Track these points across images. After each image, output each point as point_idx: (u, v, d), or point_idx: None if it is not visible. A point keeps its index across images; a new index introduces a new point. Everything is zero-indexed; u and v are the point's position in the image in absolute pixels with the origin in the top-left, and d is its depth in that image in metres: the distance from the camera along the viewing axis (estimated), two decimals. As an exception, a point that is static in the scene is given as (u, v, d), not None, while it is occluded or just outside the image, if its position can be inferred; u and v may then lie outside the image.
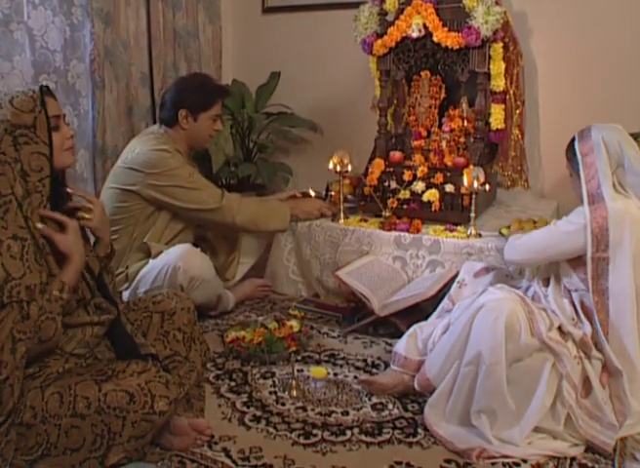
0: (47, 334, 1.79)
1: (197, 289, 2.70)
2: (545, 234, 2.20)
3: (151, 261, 2.73)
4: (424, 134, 3.29)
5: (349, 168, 3.13)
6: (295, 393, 2.29)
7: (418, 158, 3.21)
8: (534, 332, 1.94)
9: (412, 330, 2.33)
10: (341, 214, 3.15)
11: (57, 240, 1.86)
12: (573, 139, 2.20)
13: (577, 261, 2.10)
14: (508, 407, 1.95)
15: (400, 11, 3.11)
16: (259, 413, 2.17)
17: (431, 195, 3.03)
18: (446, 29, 2.97)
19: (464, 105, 3.24)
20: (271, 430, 2.08)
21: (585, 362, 1.99)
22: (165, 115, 2.90)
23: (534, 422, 1.96)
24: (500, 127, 3.12)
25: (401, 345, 2.30)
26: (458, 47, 2.96)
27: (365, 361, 2.56)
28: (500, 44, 2.97)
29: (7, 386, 1.74)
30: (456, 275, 2.53)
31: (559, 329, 2.01)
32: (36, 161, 1.82)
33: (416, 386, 2.20)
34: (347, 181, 3.34)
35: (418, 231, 2.95)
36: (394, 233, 2.98)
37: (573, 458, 1.93)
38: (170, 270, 2.63)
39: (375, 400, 2.26)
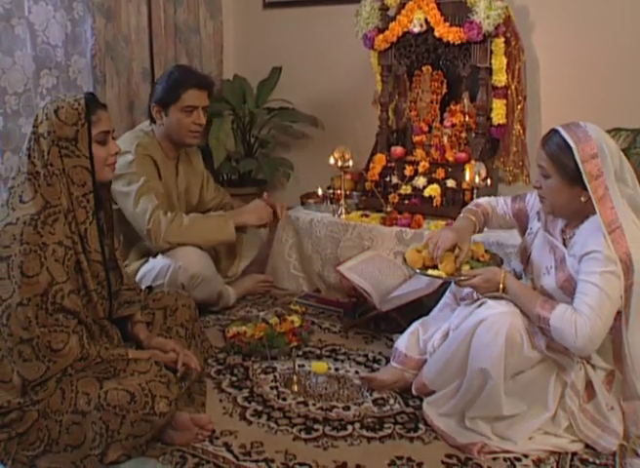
0: (85, 369, 1.86)
1: (198, 286, 2.70)
2: (604, 298, 1.80)
3: (151, 260, 2.72)
4: (426, 129, 3.30)
5: (350, 163, 3.13)
6: (296, 388, 2.29)
7: (419, 153, 3.21)
8: (534, 345, 1.91)
9: (413, 327, 2.33)
10: (343, 210, 3.15)
11: (164, 356, 2.02)
12: (556, 135, 1.89)
13: None
14: (505, 417, 1.95)
15: (401, 6, 3.11)
16: (260, 408, 2.18)
17: (433, 190, 3.03)
18: (447, 24, 2.98)
19: (466, 100, 3.24)
20: (272, 425, 2.08)
21: (588, 367, 1.96)
22: (147, 112, 2.84)
23: (534, 428, 1.96)
24: (501, 122, 3.12)
25: (402, 342, 2.30)
26: (459, 42, 2.96)
27: (366, 356, 2.56)
28: (502, 39, 2.97)
29: (34, 410, 1.78)
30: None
31: None
32: (79, 175, 1.84)
33: (413, 390, 2.21)
34: (349, 177, 3.34)
35: (419, 226, 2.95)
36: (395, 228, 2.98)
37: (574, 453, 1.94)
38: (170, 269, 2.62)
39: (376, 395, 2.26)
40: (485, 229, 2.36)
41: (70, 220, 1.84)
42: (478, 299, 2.10)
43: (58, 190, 1.81)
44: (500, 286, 1.98)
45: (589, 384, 1.96)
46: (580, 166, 1.82)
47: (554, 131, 1.91)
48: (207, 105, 2.82)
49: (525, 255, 2.17)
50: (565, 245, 1.98)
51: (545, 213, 2.05)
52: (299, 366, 2.44)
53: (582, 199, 1.87)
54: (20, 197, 1.79)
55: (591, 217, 1.89)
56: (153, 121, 2.79)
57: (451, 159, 3.14)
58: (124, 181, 2.64)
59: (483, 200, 2.37)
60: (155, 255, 2.72)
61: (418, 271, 2.19)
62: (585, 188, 1.84)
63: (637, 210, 1.90)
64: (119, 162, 2.56)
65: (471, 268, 2.11)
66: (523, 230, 2.25)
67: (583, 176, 1.82)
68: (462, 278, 2.07)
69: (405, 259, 2.24)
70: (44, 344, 1.75)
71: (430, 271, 2.17)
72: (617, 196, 1.84)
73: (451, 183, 3.02)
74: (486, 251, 2.26)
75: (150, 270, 2.68)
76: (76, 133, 1.81)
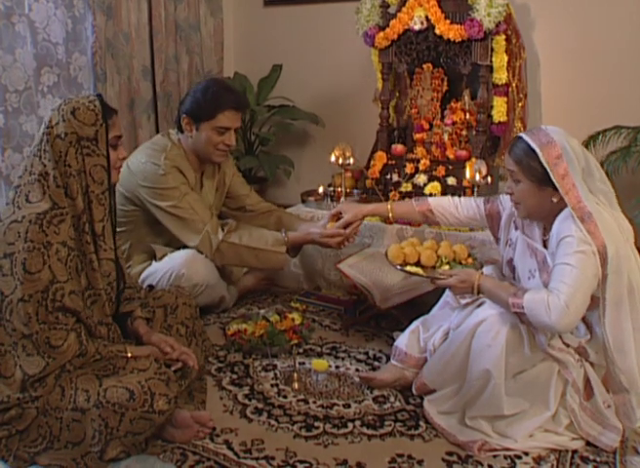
0: (84, 366, 1.86)
1: (201, 294, 2.68)
2: (578, 274, 1.81)
3: (154, 264, 2.71)
4: (426, 126, 3.30)
5: (351, 161, 3.12)
6: (296, 386, 2.29)
7: (420, 151, 3.21)
8: (535, 344, 1.91)
9: (414, 326, 2.33)
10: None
11: (163, 341, 2.03)
12: (521, 141, 1.94)
13: None
14: (506, 416, 1.96)
15: (402, 3, 3.11)
16: (260, 406, 2.18)
17: (433, 188, 3.02)
18: (448, 22, 2.97)
19: (467, 98, 3.24)
20: (273, 422, 2.08)
21: (586, 364, 1.97)
22: (176, 120, 2.77)
23: (535, 426, 1.97)
24: (502, 120, 3.12)
25: (402, 340, 2.30)
26: (460, 39, 2.96)
27: (366, 354, 2.56)
28: (503, 36, 2.96)
29: (33, 408, 1.78)
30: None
31: (559, 336, 1.97)
32: (98, 173, 1.86)
33: (413, 390, 2.21)
34: (349, 174, 3.34)
35: (419, 224, 2.95)
36: (396, 226, 2.98)
37: (574, 451, 1.94)
38: (173, 276, 2.60)
39: (376, 392, 2.26)
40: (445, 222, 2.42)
41: (85, 221, 1.85)
42: (478, 299, 2.10)
43: (74, 191, 1.82)
44: (475, 289, 2.01)
45: (589, 382, 1.96)
46: (547, 167, 1.87)
47: (518, 137, 1.99)
48: (239, 127, 2.75)
49: (511, 266, 2.18)
50: (545, 246, 2.00)
51: (521, 218, 2.08)
52: (299, 363, 2.45)
53: (554, 199, 1.91)
54: (27, 197, 1.80)
55: (563, 211, 1.91)
56: (181, 130, 2.72)
57: (451, 157, 3.14)
58: (157, 194, 2.61)
59: (442, 199, 2.42)
60: (161, 258, 2.71)
61: (398, 267, 2.25)
62: (555, 189, 1.88)
63: (612, 203, 1.95)
64: (149, 173, 2.60)
65: (450, 269, 2.17)
66: (495, 231, 2.27)
67: (551, 177, 1.87)
68: (439, 276, 2.12)
69: (387, 255, 2.30)
70: (43, 340, 1.75)
71: (409, 267, 2.23)
72: (585, 192, 1.88)
73: (451, 181, 3.02)
74: (469, 255, 2.31)
75: (153, 274, 2.67)
76: (96, 133, 1.84)
